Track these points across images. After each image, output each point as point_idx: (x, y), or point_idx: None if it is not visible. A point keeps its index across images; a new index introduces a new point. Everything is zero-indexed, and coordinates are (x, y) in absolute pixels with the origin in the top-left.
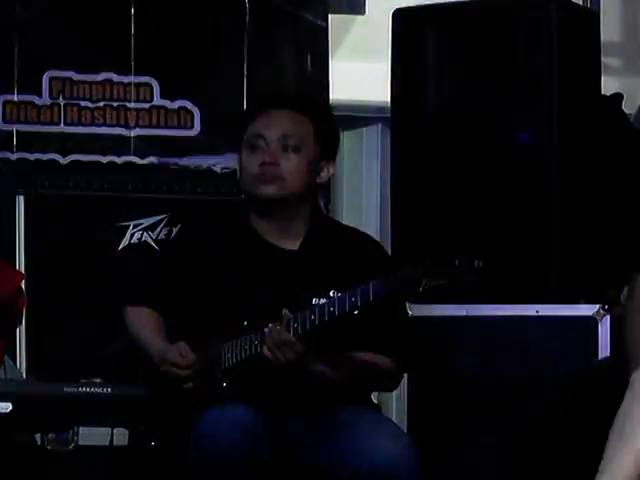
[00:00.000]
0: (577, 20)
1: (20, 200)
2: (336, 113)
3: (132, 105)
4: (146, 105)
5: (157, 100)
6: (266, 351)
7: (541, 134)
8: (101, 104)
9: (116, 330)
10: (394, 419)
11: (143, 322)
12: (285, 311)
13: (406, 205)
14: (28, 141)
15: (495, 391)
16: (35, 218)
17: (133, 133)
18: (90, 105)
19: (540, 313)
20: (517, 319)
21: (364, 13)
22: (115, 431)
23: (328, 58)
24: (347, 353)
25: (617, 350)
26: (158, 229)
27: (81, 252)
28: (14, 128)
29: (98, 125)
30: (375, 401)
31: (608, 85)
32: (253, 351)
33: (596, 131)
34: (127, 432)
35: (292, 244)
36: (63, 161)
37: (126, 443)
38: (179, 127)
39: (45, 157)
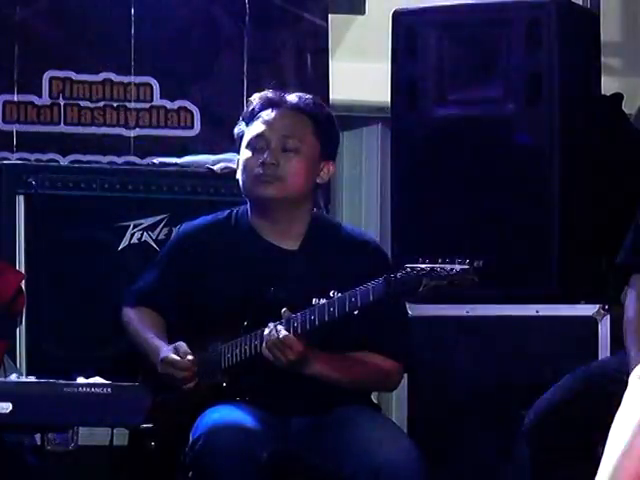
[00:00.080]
0: (577, 20)
1: (20, 200)
2: (336, 113)
3: (132, 105)
4: (146, 105)
5: (157, 100)
6: (266, 351)
7: (541, 134)
8: (101, 104)
9: (116, 330)
10: (394, 419)
11: (143, 323)
12: (285, 311)
13: (406, 205)
14: (28, 141)
15: (495, 391)
16: (35, 218)
17: (133, 133)
18: (90, 105)
19: (540, 313)
20: (517, 319)
21: (364, 13)
22: (115, 431)
23: (328, 58)
24: (347, 353)
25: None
26: (158, 229)
27: (81, 252)
28: (14, 128)
29: (98, 125)
30: (375, 401)
31: (608, 85)
32: (253, 351)
33: (596, 131)
34: (127, 432)
35: (292, 244)
36: (63, 161)
37: (126, 443)
38: (179, 127)
39: (45, 157)
